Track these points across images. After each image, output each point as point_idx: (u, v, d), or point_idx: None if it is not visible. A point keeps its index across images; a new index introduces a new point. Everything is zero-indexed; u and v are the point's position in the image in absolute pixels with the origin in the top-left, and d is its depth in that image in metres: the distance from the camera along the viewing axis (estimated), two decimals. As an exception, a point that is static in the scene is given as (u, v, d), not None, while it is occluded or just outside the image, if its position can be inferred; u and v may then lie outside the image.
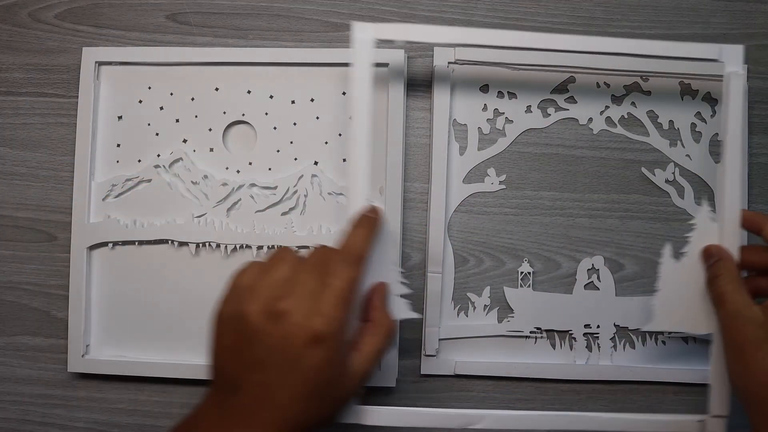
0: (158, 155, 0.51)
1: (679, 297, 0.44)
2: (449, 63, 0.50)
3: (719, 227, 0.43)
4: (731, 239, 0.43)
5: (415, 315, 0.42)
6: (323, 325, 0.34)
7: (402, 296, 0.42)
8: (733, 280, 0.40)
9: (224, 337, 0.36)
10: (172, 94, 0.51)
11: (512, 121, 0.52)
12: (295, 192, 0.51)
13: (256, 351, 0.35)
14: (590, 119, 0.52)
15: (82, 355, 0.50)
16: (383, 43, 0.45)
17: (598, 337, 0.51)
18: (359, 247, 0.38)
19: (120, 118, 0.52)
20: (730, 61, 0.44)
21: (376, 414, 0.42)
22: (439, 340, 0.50)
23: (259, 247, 0.50)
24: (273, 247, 0.50)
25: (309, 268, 0.37)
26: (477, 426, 0.43)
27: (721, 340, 0.41)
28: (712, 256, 0.42)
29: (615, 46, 0.45)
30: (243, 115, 0.51)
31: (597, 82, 0.52)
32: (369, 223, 0.40)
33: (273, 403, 0.34)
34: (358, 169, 0.43)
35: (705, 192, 0.52)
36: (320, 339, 0.34)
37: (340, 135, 0.51)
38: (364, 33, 0.44)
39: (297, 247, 0.50)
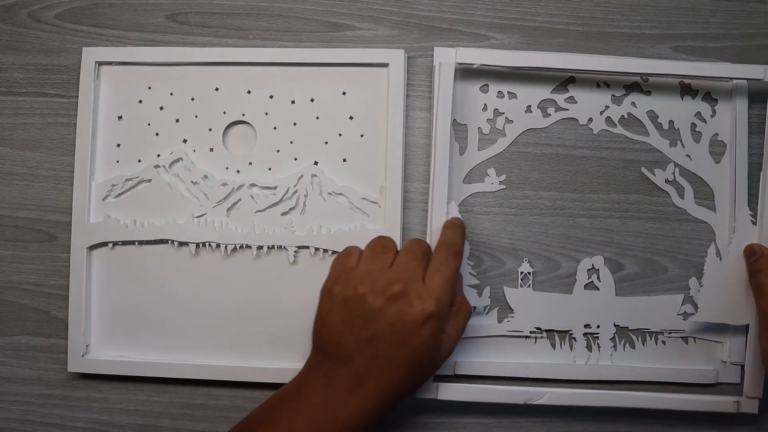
0: (158, 155, 0.51)
1: (721, 292, 0.49)
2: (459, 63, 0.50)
3: (758, 230, 0.49)
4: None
5: (484, 302, 0.50)
6: (434, 306, 0.40)
7: (471, 286, 0.50)
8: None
9: (337, 313, 0.41)
10: (172, 94, 0.51)
11: (512, 121, 0.52)
12: (295, 192, 0.51)
13: (372, 327, 0.40)
14: (590, 119, 0.52)
15: (82, 355, 0.50)
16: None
17: (598, 337, 0.51)
18: (458, 242, 0.44)
19: (120, 118, 0.52)
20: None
21: (446, 389, 0.48)
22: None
23: (259, 247, 0.50)
24: (273, 247, 0.50)
25: (415, 257, 0.42)
26: (538, 401, 0.48)
27: (758, 327, 0.46)
28: (754, 254, 0.47)
29: (652, 67, 0.50)
30: (243, 115, 0.51)
31: (597, 82, 0.52)
32: (459, 225, 0.46)
33: (381, 372, 0.39)
34: (439, 161, 0.48)
35: (705, 192, 0.52)
36: (431, 318, 0.40)
37: (340, 135, 0.51)
38: (448, 57, 0.49)
39: (297, 247, 0.50)
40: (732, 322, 0.49)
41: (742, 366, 0.50)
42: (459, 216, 0.48)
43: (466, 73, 0.51)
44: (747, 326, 0.49)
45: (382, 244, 0.44)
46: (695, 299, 0.50)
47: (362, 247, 0.45)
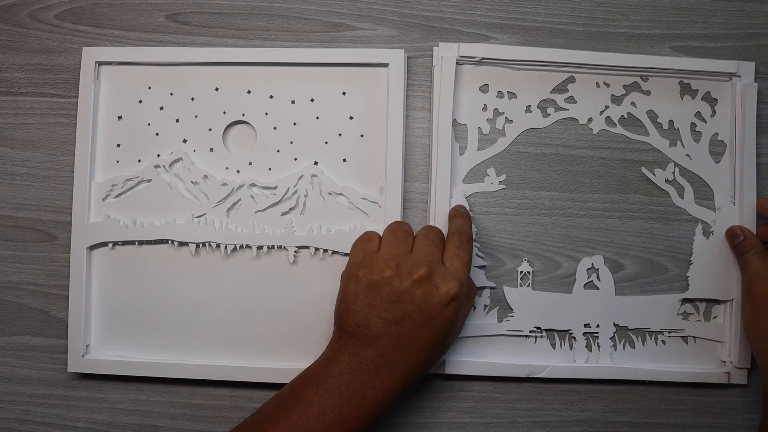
0: (158, 155, 0.51)
1: (709, 268, 0.51)
2: (462, 57, 0.50)
3: (738, 209, 0.51)
4: (749, 220, 0.51)
5: (490, 283, 0.51)
6: (457, 287, 0.42)
7: (478, 267, 0.51)
8: (757, 252, 0.49)
9: (363, 296, 0.42)
10: (172, 94, 0.51)
11: (512, 121, 0.52)
12: (295, 192, 0.51)
13: (400, 309, 0.42)
14: (590, 119, 0.52)
15: (82, 355, 0.50)
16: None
17: (597, 336, 0.51)
18: (468, 229, 0.46)
19: (120, 118, 0.52)
20: (745, 74, 0.51)
21: (457, 365, 0.50)
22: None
23: (259, 247, 0.50)
24: (273, 247, 0.50)
25: (434, 242, 0.44)
26: (540, 375, 0.50)
27: (742, 300, 0.49)
28: (736, 236, 0.50)
29: (641, 61, 0.51)
30: (243, 115, 0.51)
31: (597, 82, 0.52)
32: (465, 213, 0.48)
33: (406, 352, 0.42)
34: (444, 174, 0.50)
35: (705, 191, 0.52)
36: (455, 299, 0.42)
37: (340, 135, 0.51)
38: (450, 52, 0.50)
39: (297, 247, 0.50)
40: (720, 297, 0.51)
41: (748, 369, 0.50)
42: (464, 204, 0.50)
43: (466, 73, 0.51)
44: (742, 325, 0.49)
45: (402, 229, 0.46)
46: (686, 276, 0.52)
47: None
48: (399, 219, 0.49)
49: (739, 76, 0.51)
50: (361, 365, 0.41)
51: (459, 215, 0.48)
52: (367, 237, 0.46)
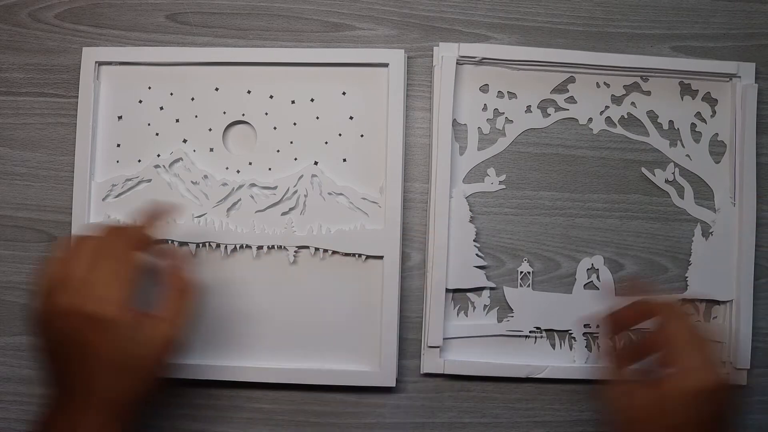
0: (158, 155, 0.51)
1: (708, 269, 0.51)
2: (462, 57, 0.50)
3: (738, 210, 0.51)
4: (749, 221, 0.50)
5: (490, 283, 0.50)
6: (95, 308, 0.37)
7: (479, 267, 0.50)
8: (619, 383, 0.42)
9: (34, 339, 0.39)
10: (172, 94, 0.51)
11: (512, 121, 0.52)
12: (295, 192, 0.51)
13: (49, 347, 0.38)
14: (590, 119, 0.52)
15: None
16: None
17: (597, 336, 0.51)
18: (132, 228, 0.42)
19: (120, 118, 0.52)
20: (746, 75, 0.51)
21: (457, 365, 0.49)
22: (442, 339, 0.50)
23: (259, 247, 0.50)
24: (273, 247, 0.50)
25: (78, 260, 0.38)
26: (540, 375, 0.49)
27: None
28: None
29: (642, 62, 0.51)
30: (243, 115, 0.51)
31: (597, 82, 0.52)
32: (155, 213, 0.43)
33: (78, 389, 0.37)
34: (439, 161, 0.49)
35: (705, 192, 0.52)
36: (95, 321, 0.37)
37: (340, 135, 0.51)
38: (450, 52, 0.50)
39: (297, 247, 0.50)
40: (720, 298, 0.50)
41: (748, 370, 0.50)
42: (465, 205, 0.49)
43: (466, 73, 0.51)
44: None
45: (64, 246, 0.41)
46: (685, 277, 0.51)
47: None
48: (399, 219, 0.49)
49: (740, 76, 0.51)
50: (55, 412, 0.38)
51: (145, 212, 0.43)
52: None
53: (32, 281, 0.42)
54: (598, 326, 0.47)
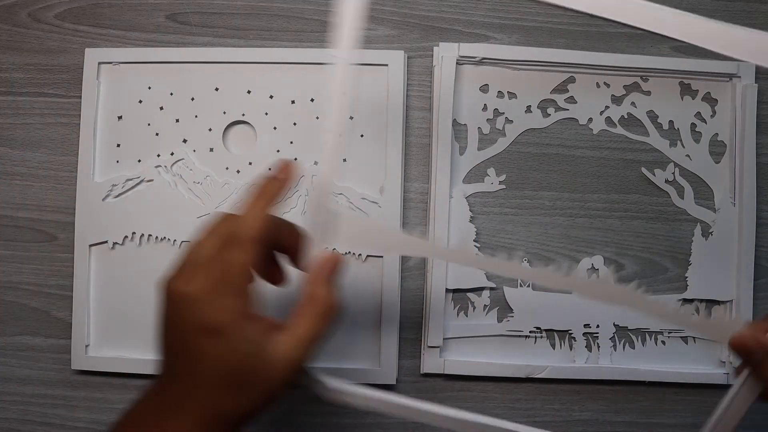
0: (158, 155, 0.51)
1: (708, 269, 0.51)
2: (462, 57, 0.50)
3: (738, 210, 0.50)
4: (749, 221, 0.50)
5: (490, 283, 0.50)
6: (213, 314, 0.32)
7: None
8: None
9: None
10: (172, 94, 0.51)
11: (512, 121, 0.52)
12: (296, 192, 0.51)
13: (168, 337, 0.33)
14: (590, 119, 0.52)
15: (85, 354, 0.50)
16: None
17: (597, 336, 0.51)
18: (252, 224, 0.34)
19: (120, 118, 0.52)
20: (746, 75, 0.51)
21: (457, 365, 0.49)
22: (442, 339, 0.50)
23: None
24: (273, 247, 0.50)
25: (210, 244, 0.33)
26: (540, 375, 0.50)
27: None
28: (753, 353, 0.37)
29: (643, 62, 0.51)
30: (243, 115, 0.51)
31: (597, 82, 0.52)
32: (270, 190, 0.35)
33: (193, 392, 0.32)
34: (439, 161, 0.49)
35: (705, 192, 0.52)
36: (209, 327, 0.32)
37: (340, 135, 0.51)
38: (450, 52, 0.50)
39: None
40: (719, 298, 0.51)
41: None
42: (465, 204, 0.44)
43: (466, 73, 0.51)
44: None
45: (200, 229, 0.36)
46: (685, 277, 0.51)
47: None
48: (399, 219, 0.49)
49: (740, 76, 0.51)
50: (161, 406, 0.33)
51: (255, 195, 0.35)
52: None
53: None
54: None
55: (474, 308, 0.51)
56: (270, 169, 0.36)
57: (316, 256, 0.36)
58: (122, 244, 0.51)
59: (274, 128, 0.51)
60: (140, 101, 0.52)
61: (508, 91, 0.52)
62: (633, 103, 0.52)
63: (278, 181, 0.36)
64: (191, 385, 0.32)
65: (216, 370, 0.32)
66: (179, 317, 0.32)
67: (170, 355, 0.33)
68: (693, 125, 0.52)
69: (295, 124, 0.51)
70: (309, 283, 0.35)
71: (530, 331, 0.51)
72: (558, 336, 0.51)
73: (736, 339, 0.37)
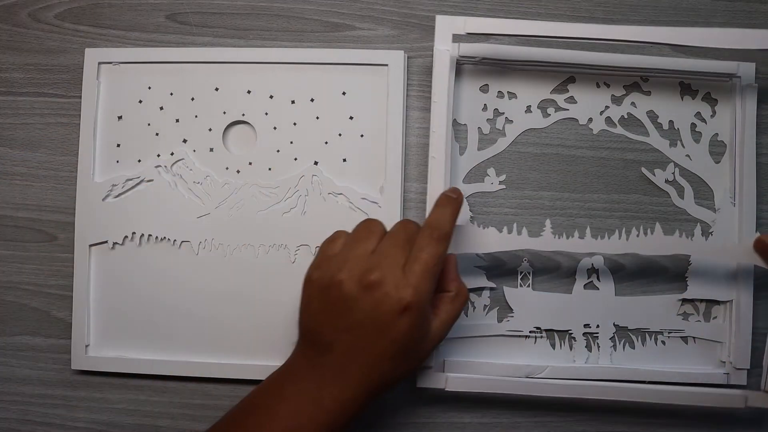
0: (158, 155, 0.51)
1: (708, 269, 0.50)
2: (462, 54, 0.50)
3: (738, 210, 0.50)
4: (749, 221, 0.50)
5: (490, 284, 0.50)
6: (411, 295, 0.38)
7: (479, 267, 0.50)
8: None
9: (316, 300, 0.40)
10: (172, 94, 0.51)
11: (512, 121, 0.52)
12: (296, 192, 0.51)
13: (349, 316, 0.39)
14: (590, 119, 0.52)
15: (85, 353, 0.50)
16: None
17: (597, 337, 0.51)
18: (444, 224, 0.41)
19: (120, 118, 0.52)
20: (746, 75, 0.51)
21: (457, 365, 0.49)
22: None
23: (260, 247, 0.50)
24: (274, 246, 0.50)
25: (397, 242, 0.40)
26: (540, 375, 0.49)
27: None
28: None
29: (643, 62, 0.51)
30: (243, 115, 0.51)
31: (597, 82, 0.52)
32: (452, 202, 0.43)
33: (362, 361, 0.39)
34: (439, 161, 0.47)
35: (705, 192, 0.52)
36: (408, 308, 0.38)
37: (340, 135, 0.51)
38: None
39: (298, 246, 0.50)
40: (719, 298, 0.50)
41: (747, 370, 0.50)
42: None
43: (466, 73, 0.51)
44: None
45: (366, 228, 0.42)
46: (685, 277, 0.51)
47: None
48: (398, 219, 0.49)
49: (739, 76, 0.51)
50: (317, 372, 0.39)
51: (442, 203, 0.43)
52: (333, 237, 0.43)
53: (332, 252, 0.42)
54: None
55: (474, 308, 0.51)
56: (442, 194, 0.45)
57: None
58: (122, 244, 0.51)
59: (274, 128, 0.51)
60: (140, 101, 0.52)
61: (508, 91, 0.52)
62: (633, 103, 0.52)
63: (454, 198, 0.44)
64: (355, 355, 0.39)
65: (398, 343, 0.38)
66: (373, 300, 0.38)
67: (329, 331, 0.39)
68: (693, 125, 0.52)
69: (295, 124, 0.51)
70: (450, 280, 0.43)
71: (530, 331, 0.51)
72: (558, 336, 0.51)
73: (759, 240, 0.46)
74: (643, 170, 0.52)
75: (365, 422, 0.51)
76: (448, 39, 0.47)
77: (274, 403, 0.39)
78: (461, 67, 0.51)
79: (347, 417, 0.39)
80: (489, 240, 0.47)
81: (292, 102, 0.51)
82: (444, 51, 0.48)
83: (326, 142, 0.51)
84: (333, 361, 0.39)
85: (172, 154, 0.51)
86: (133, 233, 0.51)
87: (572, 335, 0.51)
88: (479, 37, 0.49)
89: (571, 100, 0.52)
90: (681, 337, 0.51)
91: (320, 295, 0.40)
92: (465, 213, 0.51)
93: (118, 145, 0.52)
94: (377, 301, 0.38)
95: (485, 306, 0.51)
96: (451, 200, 0.43)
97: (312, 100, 0.51)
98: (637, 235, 0.50)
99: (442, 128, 0.49)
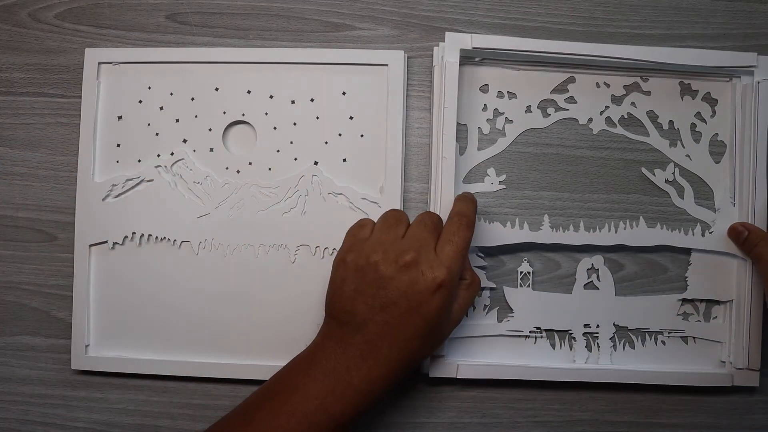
0: (158, 155, 0.51)
1: (708, 269, 0.51)
2: (465, 51, 0.50)
3: (737, 209, 0.51)
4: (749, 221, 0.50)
5: (490, 283, 0.51)
6: (445, 275, 0.40)
7: (479, 267, 0.51)
8: (766, 242, 0.47)
9: (350, 281, 0.42)
10: (172, 94, 0.51)
11: (512, 121, 0.52)
12: (296, 192, 0.51)
13: (385, 295, 0.40)
14: (590, 119, 0.52)
15: (85, 353, 0.50)
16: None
17: (597, 337, 0.51)
18: (470, 213, 0.45)
19: (120, 118, 0.52)
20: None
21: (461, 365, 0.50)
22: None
23: (260, 247, 0.50)
24: (274, 246, 0.50)
25: (427, 228, 0.43)
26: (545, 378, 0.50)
27: (751, 298, 0.49)
28: (740, 233, 0.49)
29: (650, 54, 0.50)
30: (243, 115, 0.51)
31: (597, 82, 0.52)
32: (472, 198, 0.47)
33: (394, 339, 0.40)
34: (448, 165, 0.49)
35: (705, 192, 0.52)
36: (442, 286, 0.40)
37: (340, 135, 0.51)
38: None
39: (298, 246, 0.50)
40: (719, 298, 0.51)
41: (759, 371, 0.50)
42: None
43: (466, 73, 0.51)
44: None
45: (394, 216, 0.45)
46: (685, 277, 0.51)
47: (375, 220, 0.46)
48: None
49: (739, 77, 0.51)
50: (347, 352, 0.41)
51: (464, 199, 0.46)
52: (361, 224, 0.46)
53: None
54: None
55: (474, 308, 0.51)
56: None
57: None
58: (122, 244, 0.51)
59: (274, 128, 0.51)
60: (140, 101, 0.52)
61: (508, 91, 0.52)
62: (633, 103, 0.52)
63: (471, 196, 0.47)
64: (388, 333, 0.40)
65: (430, 321, 0.41)
66: (409, 278, 0.40)
67: (363, 309, 0.41)
68: (693, 125, 0.52)
69: (295, 124, 0.51)
70: (465, 269, 0.45)
71: (530, 331, 0.51)
72: (558, 336, 0.51)
73: (730, 226, 0.50)
74: (643, 170, 0.52)
75: (364, 422, 0.51)
76: (457, 53, 0.49)
77: (303, 382, 0.40)
78: (461, 67, 0.51)
79: (375, 396, 0.41)
80: (493, 235, 0.50)
81: (292, 102, 0.51)
82: (454, 63, 0.49)
83: (326, 142, 0.51)
84: (364, 339, 0.40)
85: (172, 154, 0.51)
86: (133, 233, 0.51)
87: (572, 335, 0.51)
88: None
89: (571, 100, 0.52)
90: (681, 337, 0.51)
91: (355, 276, 0.42)
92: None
93: (118, 145, 0.51)
94: (412, 280, 0.40)
95: (485, 306, 0.51)
96: (470, 196, 0.47)
97: (312, 100, 0.51)
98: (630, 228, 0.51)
99: (451, 129, 0.49)
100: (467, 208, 0.45)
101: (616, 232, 0.51)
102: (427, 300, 0.40)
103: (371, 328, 0.40)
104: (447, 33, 0.49)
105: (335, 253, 0.50)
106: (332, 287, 0.43)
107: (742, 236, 0.49)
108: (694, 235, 0.51)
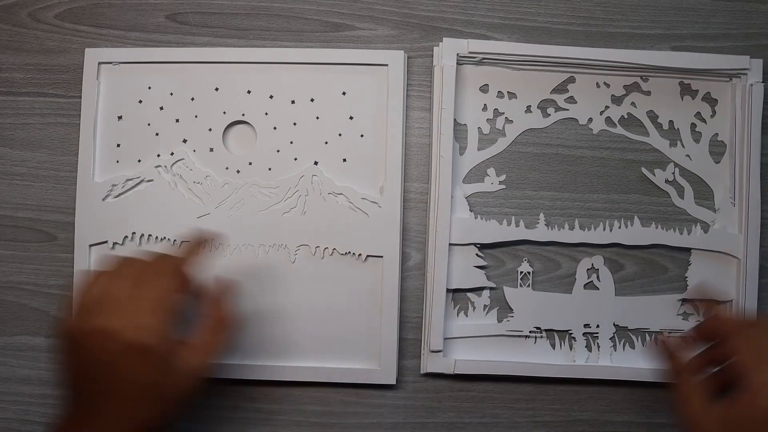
0: (158, 155, 0.51)
1: (708, 269, 0.51)
2: (462, 56, 0.50)
3: (737, 210, 0.50)
4: (749, 221, 0.50)
5: (490, 283, 0.50)
6: (134, 334, 0.36)
7: (479, 267, 0.50)
8: (690, 394, 0.39)
9: (58, 352, 0.39)
10: (172, 94, 0.51)
11: (512, 121, 0.52)
12: (296, 192, 0.51)
13: (78, 365, 0.38)
14: (590, 119, 0.52)
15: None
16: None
17: (597, 336, 0.51)
18: (178, 257, 0.41)
19: (120, 118, 0.52)
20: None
21: (459, 364, 0.49)
22: (443, 340, 0.50)
23: (261, 247, 0.50)
24: (273, 246, 0.50)
25: (121, 282, 0.38)
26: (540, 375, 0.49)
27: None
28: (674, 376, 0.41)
29: (645, 58, 0.51)
30: (243, 115, 0.51)
31: (597, 82, 0.52)
32: (199, 239, 0.43)
33: (103, 410, 0.37)
34: (445, 166, 0.49)
35: (705, 192, 0.52)
36: (133, 347, 0.36)
37: (340, 135, 0.51)
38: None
39: (298, 246, 0.50)
40: (718, 298, 0.50)
41: None
42: (465, 205, 0.48)
43: (466, 73, 0.51)
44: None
45: (97, 272, 0.40)
46: (685, 277, 0.51)
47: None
48: (398, 219, 0.49)
49: (740, 77, 0.51)
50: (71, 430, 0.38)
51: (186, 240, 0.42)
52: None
53: (67, 296, 0.45)
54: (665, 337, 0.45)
55: (474, 308, 0.51)
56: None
57: (215, 280, 0.42)
58: (122, 244, 0.51)
59: (274, 128, 0.51)
60: (140, 101, 0.52)
61: (508, 91, 0.52)
62: (633, 103, 0.52)
63: (198, 241, 0.43)
64: (93, 405, 0.37)
65: (137, 385, 0.37)
66: (101, 346, 0.36)
67: (86, 382, 0.37)
68: (693, 125, 0.52)
69: (295, 124, 0.51)
70: (207, 304, 0.41)
71: (530, 331, 0.51)
72: (558, 336, 0.51)
73: (660, 339, 0.42)
74: (643, 170, 0.52)
75: (366, 423, 0.51)
76: (453, 57, 0.49)
77: None
78: (461, 67, 0.51)
79: None
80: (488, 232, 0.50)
81: (292, 102, 0.51)
82: (451, 67, 0.49)
83: (326, 142, 0.51)
84: (76, 414, 0.38)
85: (172, 154, 0.51)
86: (133, 233, 0.51)
87: (572, 335, 0.51)
88: (479, 37, 0.49)
89: (571, 100, 0.52)
90: (680, 337, 0.51)
91: (60, 347, 0.39)
92: (465, 212, 0.51)
93: (118, 145, 0.51)
94: (99, 347, 0.37)
95: (485, 306, 0.51)
96: (199, 238, 0.43)
97: (312, 100, 0.51)
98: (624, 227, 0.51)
99: (449, 131, 0.49)
100: (181, 251, 0.41)
101: (611, 231, 0.51)
102: (119, 364, 0.37)
103: (79, 401, 0.38)
104: (444, 38, 0.50)
105: (335, 253, 0.50)
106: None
107: (674, 380, 0.40)
108: (691, 234, 0.51)
